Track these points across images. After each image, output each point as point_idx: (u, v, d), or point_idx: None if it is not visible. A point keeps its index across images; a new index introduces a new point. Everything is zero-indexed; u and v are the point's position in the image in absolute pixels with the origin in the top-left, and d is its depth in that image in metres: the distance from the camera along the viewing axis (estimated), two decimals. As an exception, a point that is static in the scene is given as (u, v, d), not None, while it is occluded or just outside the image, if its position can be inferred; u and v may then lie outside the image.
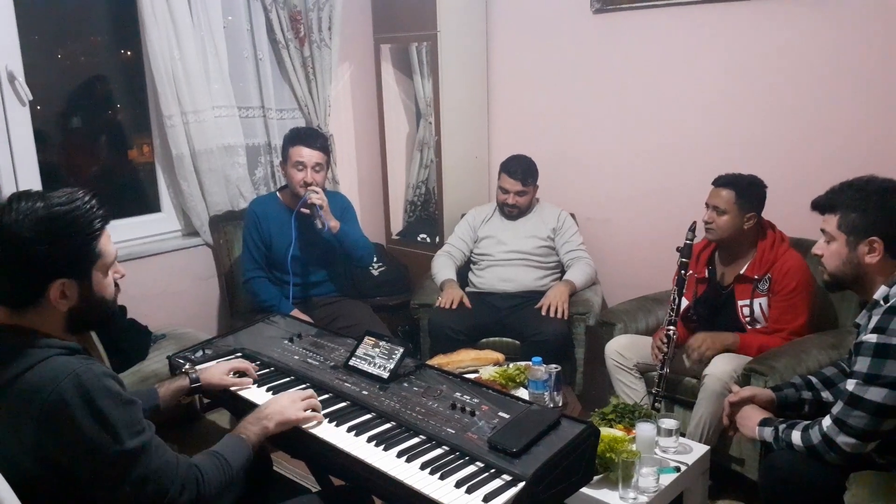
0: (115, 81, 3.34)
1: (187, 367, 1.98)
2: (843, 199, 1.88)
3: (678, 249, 2.65)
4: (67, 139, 3.25)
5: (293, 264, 3.02)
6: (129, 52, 3.28)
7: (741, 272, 2.62)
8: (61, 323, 1.38)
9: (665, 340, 2.56)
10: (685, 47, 3.11)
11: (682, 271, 2.61)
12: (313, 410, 1.72)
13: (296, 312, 2.95)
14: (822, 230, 1.93)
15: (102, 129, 3.35)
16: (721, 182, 2.64)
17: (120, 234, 3.21)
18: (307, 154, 2.92)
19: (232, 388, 1.92)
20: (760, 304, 2.59)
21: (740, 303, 2.62)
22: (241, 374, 1.97)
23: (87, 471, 1.31)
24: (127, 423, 1.32)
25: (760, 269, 2.58)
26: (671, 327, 2.57)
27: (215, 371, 1.93)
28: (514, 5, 3.62)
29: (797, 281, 2.53)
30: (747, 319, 2.61)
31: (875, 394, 1.72)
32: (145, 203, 3.37)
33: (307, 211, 2.90)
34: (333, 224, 2.94)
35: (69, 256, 1.33)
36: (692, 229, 2.64)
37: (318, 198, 2.89)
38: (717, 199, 2.61)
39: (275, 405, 1.69)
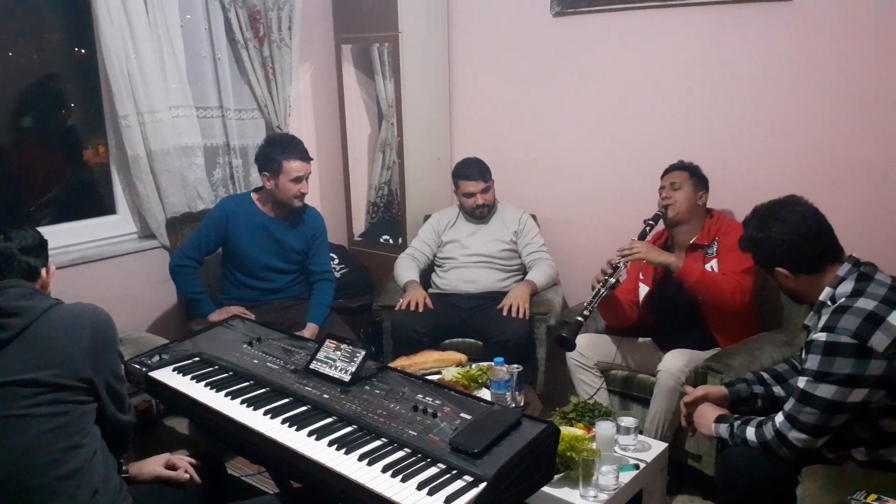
0: (68, 80, 3.27)
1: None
2: (746, 243, 2.05)
3: (646, 220, 2.81)
4: (19, 140, 3.17)
5: (261, 270, 3.07)
6: (83, 51, 3.21)
7: (691, 242, 2.76)
8: None
9: (610, 266, 2.65)
10: (644, 51, 3.15)
11: (647, 229, 2.80)
12: None
13: (214, 315, 2.93)
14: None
15: (56, 130, 3.27)
16: (672, 167, 2.86)
17: (74, 237, 3.14)
18: (304, 167, 2.98)
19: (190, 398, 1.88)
20: (712, 266, 2.68)
21: None
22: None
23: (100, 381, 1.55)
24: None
25: (709, 238, 2.75)
26: (621, 259, 2.66)
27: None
28: (475, 7, 3.63)
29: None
30: None
31: (825, 390, 1.77)
32: (100, 205, 3.30)
33: None
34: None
35: None
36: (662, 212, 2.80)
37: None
38: (672, 178, 2.80)
39: None
